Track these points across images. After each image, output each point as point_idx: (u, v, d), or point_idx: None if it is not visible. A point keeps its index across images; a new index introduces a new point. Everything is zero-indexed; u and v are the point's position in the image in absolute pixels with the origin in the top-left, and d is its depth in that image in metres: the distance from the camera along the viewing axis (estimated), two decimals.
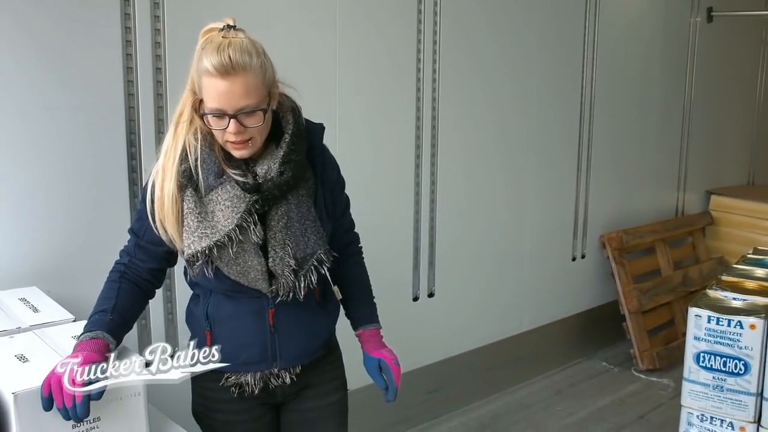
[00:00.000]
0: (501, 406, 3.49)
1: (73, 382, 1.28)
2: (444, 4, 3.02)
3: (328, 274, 1.62)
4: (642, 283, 4.09)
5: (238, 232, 1.45)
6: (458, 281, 3.31)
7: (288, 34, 2.51)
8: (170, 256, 1.57)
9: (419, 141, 3.03)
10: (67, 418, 1.29)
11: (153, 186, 1.49)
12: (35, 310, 1.76)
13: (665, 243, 4.33)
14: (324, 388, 1.71)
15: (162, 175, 1.47)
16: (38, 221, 2.05)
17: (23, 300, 1.84)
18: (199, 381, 1.61)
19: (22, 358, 1.43)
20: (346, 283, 1.75)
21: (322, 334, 1.67)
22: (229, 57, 1.37)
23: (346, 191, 1.71)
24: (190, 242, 1.46)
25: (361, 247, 1.78)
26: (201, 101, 1.44)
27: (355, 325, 1.75)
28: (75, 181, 2.10)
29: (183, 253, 1.50)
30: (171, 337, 2.36)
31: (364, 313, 1.75)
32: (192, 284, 1.63)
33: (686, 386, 2.25)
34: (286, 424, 1.72)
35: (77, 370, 1.29)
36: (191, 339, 1.51)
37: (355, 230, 1.77)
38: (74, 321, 1.71)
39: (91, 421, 1.36)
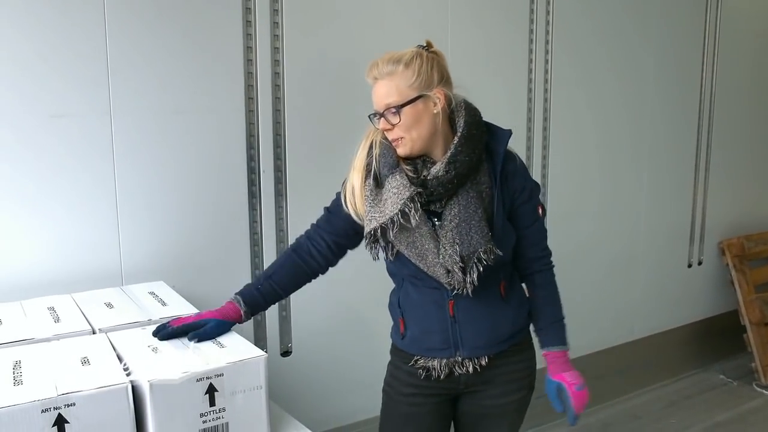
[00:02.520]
0: (611, 415, 3.38)
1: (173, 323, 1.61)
2: (557, 13, 2.97)
3: (512, 270, 1.73)
4: (765, 292, 3.86)
5: (400, 216, 1.57)
6: (568, 285, 3.18)
7: (399, 40, 2.53)
8: (353, 234, 1.71)
9: (530, 143, 3.00)
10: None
11: (348, 177, 1.69)
12: (163, 303, 1.86)
13: None
14: (507, 387, 1.75)
15: (352, 167, 1.67)
16: (166, 219, 2.17)
17: (152, 294, 1.94)
18: (393, 360, 1.82)
19: (154, 349, 1.51)
20: (531, 302, 1.77)
21: (505, 328, 1.72)
22: (377, 66, 1.61)
23: None
24: (365, 224, 1.63)
25: (550, 265, 1.78)
26: None
27: (541, 346, 1.76)
28: (199, 182, 2.21)
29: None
30: (285, 333, 2.43)
31: (546, 334, 1.75)
32: (390, 274, 1.78)
33: None
34: (463, 413, 1.81)
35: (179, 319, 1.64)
36: (393, 325, 1.80)
37: (546, 246, 1.79)
38: None
39: (217, 411, 1.42)
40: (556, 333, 1.75)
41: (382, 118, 1.60)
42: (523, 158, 2.95)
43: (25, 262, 1.96)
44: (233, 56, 2.22)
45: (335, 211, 1.72)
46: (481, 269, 1.59)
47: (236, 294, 1.72)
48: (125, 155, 2.07)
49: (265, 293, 1.72)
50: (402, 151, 1.61)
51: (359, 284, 2.43)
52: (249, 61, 2.25)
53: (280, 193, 2.35)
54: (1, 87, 1.88)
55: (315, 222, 1.77)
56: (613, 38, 3.23)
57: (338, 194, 1.72)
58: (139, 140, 2.09)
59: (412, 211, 1.56)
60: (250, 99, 2.27)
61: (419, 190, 1.58)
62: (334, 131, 2.41)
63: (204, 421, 1.41)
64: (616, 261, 3.44)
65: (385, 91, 1.59)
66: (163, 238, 2.16)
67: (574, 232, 3.22)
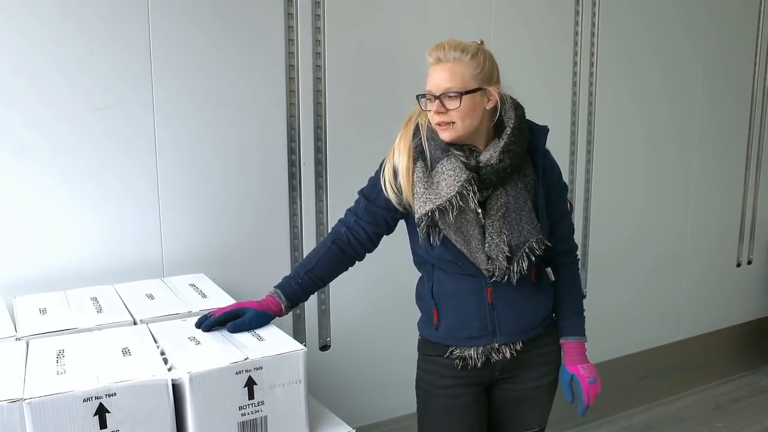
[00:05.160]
0: (654, 417, 3.31)
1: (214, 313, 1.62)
2: (603, 6, 2.91)
3: (541, 258, 1.72)
4: None
5: (458, 198, 1.59)
6: (612, 283, 3.17)
7: (441, 34, 2.50)
8: (392, 222, 1.74)
9: (574, 137, 2.94)
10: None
11: (388, 159, 1.69)
12: (203, 295, 1.87)
13: None
14: (540, 370, 1.78)
15: (397, 152, 1.67)
16: (207, 212, 2.18)
17: (192, 286, 1.95)
18: (425, 354, 1.81)
19: (194, 341, 1.52)
20: (556, 292, 1.81)
21: (539, 312, 1.76)
22: (444, 48, 1.60)
23: None
24: (418, 207, 1.62)
25: (576, 258, 1.84)
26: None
27: (560, 334, 1.81)
28: (240, 175, 2.21)
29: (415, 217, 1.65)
30: (324, 327, 2.43)
31: (567, 324, 1.80)
32: (418, 264, 1.78)
33: None
34: (498, 400, 1.81)
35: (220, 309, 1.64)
36: (422, 318, 1.81)
37: (574, 240, 1.85)
38: None
39: (256, 404, 1.42)
40: (576, 324, 1.80)
41: (437, 101, 1.59)
42: (567, 154, 2.94)
43: (69, 253, 1.99)
44: (275, 49, 2.22)
45: (375, 200, 1.72)
46: (533, 258, 1.64)
47: (275, 288, 1.72)
48: (167, 148, 2.08)
49: (305, 286, 1.73)
50: (447, 135, 1.61)
51: (398, 277, 2.41)
52: (290, 54, 2.24)
53: (320, 186, 2.35)
54: (52, 78, 1.91)
55: (352, 209, 1.76)
56: (661, 31, 3.14)
57: (373, 180, 1.73)
58: (181, 133, 2.10)
59: (470, 194, 1.58)
60: (292, 92, 2.26)
61: (474, 174, 1.60)
62: (375, 125, 2.39)
63: (243, 414, 1.41)
64: (662, 259, 3.36)
65: (449, 76, 1.58)
66: (204, 230, 2.17)
67: (619, 228, 3.16)
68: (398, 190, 1.66)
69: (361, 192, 1.76)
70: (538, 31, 2.78)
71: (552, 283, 1.80)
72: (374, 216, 1.72)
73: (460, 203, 1.59)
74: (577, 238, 2.99)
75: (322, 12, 2.27)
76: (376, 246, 1.78)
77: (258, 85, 2.20)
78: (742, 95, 3.54)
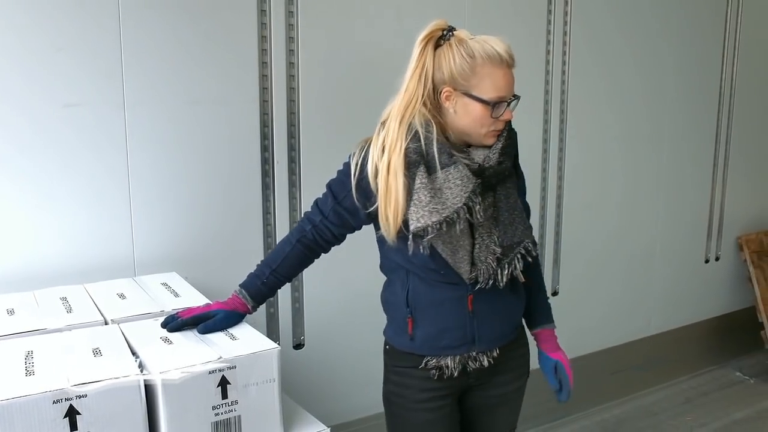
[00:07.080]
0: (626, 411, 3.35)
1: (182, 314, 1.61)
2: (575, 1, 2.94)
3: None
4: None
5: (466, 210, 1.52)
6: (584, 280, 3.20)
7: (416, 29, 2.50)
8: (358, 225, 1.68)
9: (546, 135, 2.96)
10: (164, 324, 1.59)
11: (365, 160, 1.56)
12: (176, 294, 1.85)
13: None
14: (512, 374, 1.75)
15: (388, 153, 1.52)
16: (179, 210, 2.15)
17: (164, 285, 1.93)
18: (397, 366, 1.72)
19: (166, 341, 1.50)
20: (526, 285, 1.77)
21: (516, 317, 1.73)
22: (509, 52, 1.53)
23: None
24: (419, 216, 1.51)
25: (537, 250, 1.80)
26: (446, 91, 1.54)
27: (534, 324, 1.80)
28: (212, 173, 2.19)
29: (387, 227, 1.54)
30: (297, 325, 2.42)
31: (542, 314, 1.79)
32: (389, 270, 1.71)
33: None
34: (472, 407, 1.76)
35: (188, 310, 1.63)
36: (392, 328, 1.72)
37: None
38: None
39: (230, 404, 1.41)
40: (548, 311, 1.80)
41: (509, 108, 1.55)
42: (540, 150, 2.96)
43: (37, 252, 1.96)
44: (247, 46, 2.20)
45: (342, 201, 1.63)
46: (529, 260, 1.60)
47: (240, 287, 1.68)
48: (138, 146, 2.05)
49: (271, 285, 1.70)
50: (493, 141, 1.58)
51: (373, 276, 2.40)
52: (263, 51, 2.23)
53: (294, 184, 2.33)
54: (16, 77, 1.87)
55: (319, 206, 1.68)
56: (633, 27, 3.18)
57: (342, 179, 1.62)
58: (152, 131, 2.08)
59: (476, 204, 1.53)
60: (265, 89, 2.25)
61: (479, 180, 1.54)
62: (349, 122, 2.38)
63: (216, 414, 1.39)
64: (634, 255, 3.41)
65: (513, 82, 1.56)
66: (176, 228, 2.15)
67: (590, 226, 3.19)
68: (372, 192, 1.55)
69: (330, 187, 1.67)
70: (510, 27, 2.79)
71: (523, 285, 1.74)
72: (341, 218, 1.65)
73: (467, 215, 1.53)
74: (550, 234, 3.04)
75: (296, 9, 2.25)
76: (343, 241, 1.73)
77: (231, 82, 2.19)
78: (711, 95, 3.60)
